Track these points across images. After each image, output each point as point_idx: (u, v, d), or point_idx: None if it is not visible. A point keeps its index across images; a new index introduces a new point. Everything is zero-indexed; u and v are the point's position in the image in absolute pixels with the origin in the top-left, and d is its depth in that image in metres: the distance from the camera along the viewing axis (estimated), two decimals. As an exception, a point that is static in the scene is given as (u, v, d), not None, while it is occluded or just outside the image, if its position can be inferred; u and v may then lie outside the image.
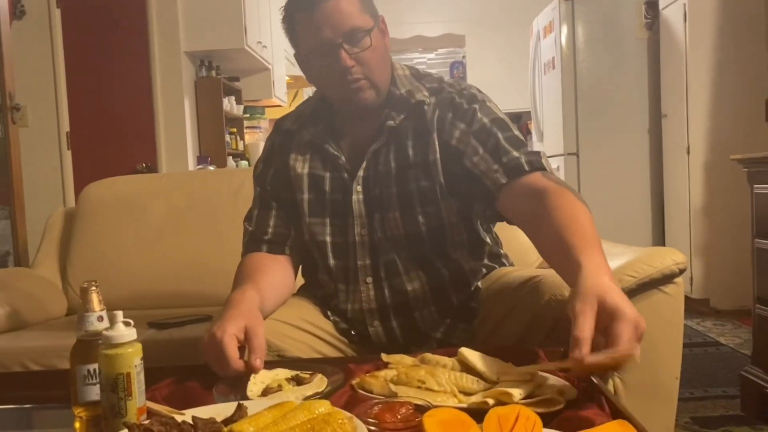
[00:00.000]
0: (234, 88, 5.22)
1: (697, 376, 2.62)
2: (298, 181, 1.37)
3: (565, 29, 4.23)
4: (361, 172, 1.33)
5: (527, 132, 6.51)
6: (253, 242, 1.39)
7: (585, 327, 0.87)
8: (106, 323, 0.97)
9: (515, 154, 1.25)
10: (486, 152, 1.27)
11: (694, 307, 3.70)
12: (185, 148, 4.39)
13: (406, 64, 1.44)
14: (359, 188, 1.34)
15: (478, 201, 1.32)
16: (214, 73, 4.75)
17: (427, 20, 6.62)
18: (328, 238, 1.36)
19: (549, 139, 4.62)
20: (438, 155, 1.30)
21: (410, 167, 1.31)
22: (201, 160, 4.45)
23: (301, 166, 1.38)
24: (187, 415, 0.85)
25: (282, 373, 1.04)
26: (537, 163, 1.24)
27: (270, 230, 1.39)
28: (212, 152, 4.61)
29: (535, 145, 5.02)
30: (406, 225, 1.31)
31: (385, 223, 1.32)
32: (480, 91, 1.36)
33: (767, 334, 2.14)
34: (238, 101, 5.30)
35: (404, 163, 1.31)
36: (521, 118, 6.60)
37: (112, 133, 4.23)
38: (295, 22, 1.29)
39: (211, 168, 4.08)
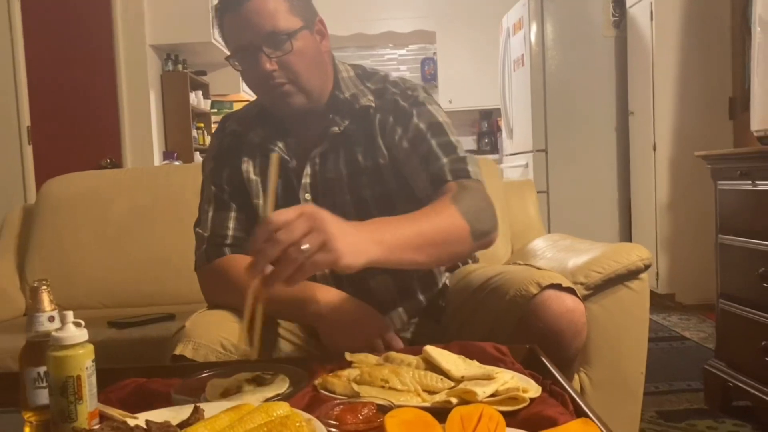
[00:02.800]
0: (201, 82, 5.14)
1: (662, 371, 2.66)
2: (252, 186, 1.32)
3: (534, 26, 4.25)
4: (306, 179, 1.29)
5: (497, 129, 6.54)
6: (213, 247, 1.30)
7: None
8: (57, 324, 0.93)
9: (442, 161, 1.22)
10: (417, 159, 1.24)
11: (659, 301, 3.76)
12: (151, 143, 4.32)
13: (353, 63, 1.39)
14: (308, 196, 1.30)
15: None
16: (180, 66, 4.68)
17: (397, 16, 6.59)
18: None
19: (518, 136, 4.65)
20: (387, 160, 1.27)
21: (362, 173, 1.28)
22: (167, 155, 4.38)
23: (253, 171, 1.32)
24: (140, 419, 0.82)
25: (243, 375, 1.01)
26: (460, 171, 1.21)
27: (230, 233, 1.31)
28: (179, 147, 4.54)
29: (505, 143, 5.03)
30: None
31: None
32: (426, 92, 1.32)
33: (730, 329, 2.17)
34: (206, 96, 5.24)
35: (355, 170, 1.28)
36: (492, 115, 6.63)
37: (74, 128, 4.13)
38: (223, 22, 1.23)
39: (177, 163, 4.01)
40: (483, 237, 1.15)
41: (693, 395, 2.37)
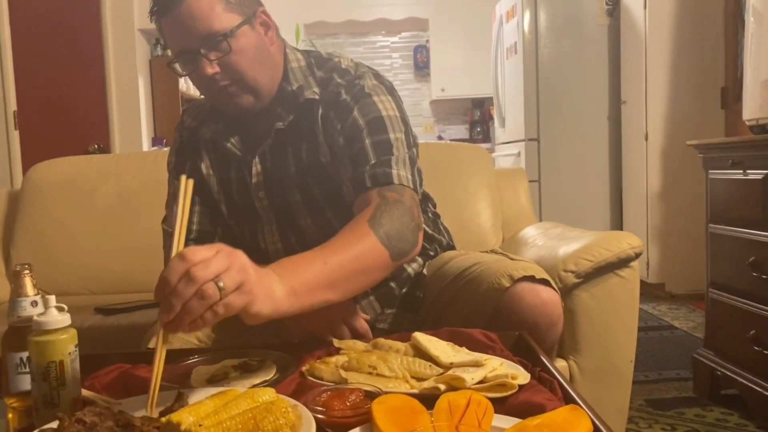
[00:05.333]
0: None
1: (652, 359, 2.67)
2: (210, 182, 1.30)
3: (527, 14, 4.23)
4: (255, 178, 1.25)
5: (489, 117, 6.52)
6: None
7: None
8: (40, 309, 0.91)
9: (368, 165, 1.14)
10: (348, 158, 1.17)
11: (649, 291, 3.77)
12: (139, 129, 4.28)
13: (308, 50, 1.31)
14: (262, 194, 1.26)
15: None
16: (169, 52, 4.63)
17: (390, 3, 6.55)
18: (247, 243, 1.30)
19: (510, 125, 4.63)
20: (329, 157, 1.21)
21: (308, 172, 1.23)
22: (156, 141, 4.34)
23: (208, 167, 1.30)
24: (124, 405, 0.81)
25: (229, 361, 1.00)
26: (382, 177, 1.13)
27: (194, 228, 1.29)
28: (168, 133, 4.50)
29: (497, 131, 5.01)
30: (322, 232, 1.22)
31: (300, 231, 1.26)
32: (376, 81, 1.24)
33: (719, 318, 2.18)
34: (196, 82, 5.18)
35: (302, 168, 1.23)
36: (484, 104, 6.62)
37: (62, 113, 4.08)
38: (161, 26, 1.17)
39: (166, 149, 3.97)
40: (404, 256, 1.08)
41: (682, 384, 2.38)
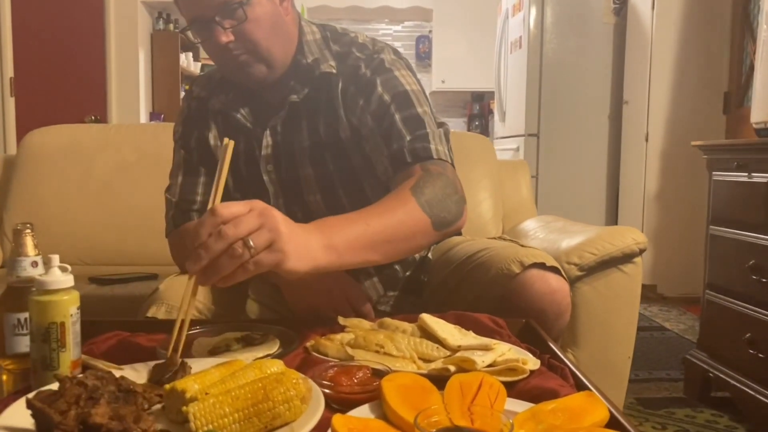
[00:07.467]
0: (192, 43, 5.04)
1: (643, 359, 2.67)
2: (218, 153, 1.27)
3: (533, 9, 4.20)
4: (266, 150, 1.23)
5: (489, 111, 6.50)
6: (180, 213, 1.27)
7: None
8: (40, 269, 0.89)
9: (404, 140, 1.13)
10: (380, 136, 1.15)
11: (641, 292, 3.77)
12: (137, 102, 4.22)
13: (323, 23, 1.29)
14: (270, 167, 1.24)
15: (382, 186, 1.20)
16: (172, 26, 4.58)
17: (395, -9, 6.51)
18: None
19: (511, 119, 4.61)
20: (349, 133, 1.19)
21: (324, 147, 1.21)
22: (154, 116, 4.29)
23: (216, 138, 1.27)
24: (125, 371, 0.79)
25: (231, 334, 0.98)
26: (422, 152, 1.12)
27: (198, 199, 1.27)
28: (166, 109, 4.45)
29: (497, 126, 4.99)
30: (330, 209, 1.21)
31: (308, 207, 1.25)
32: (395, 56, 1.22)
33: (715, 320, 2.18)
34: (196, 58, 5.13)
35: (317, 142, 1.21)
36: (484, 97, 6.59)
37: (60, 83, 4.02)
38: None
39: (166, 123, 3.93)
40: (447, 226, 1.06)
41: (672, 384, 2.38)
